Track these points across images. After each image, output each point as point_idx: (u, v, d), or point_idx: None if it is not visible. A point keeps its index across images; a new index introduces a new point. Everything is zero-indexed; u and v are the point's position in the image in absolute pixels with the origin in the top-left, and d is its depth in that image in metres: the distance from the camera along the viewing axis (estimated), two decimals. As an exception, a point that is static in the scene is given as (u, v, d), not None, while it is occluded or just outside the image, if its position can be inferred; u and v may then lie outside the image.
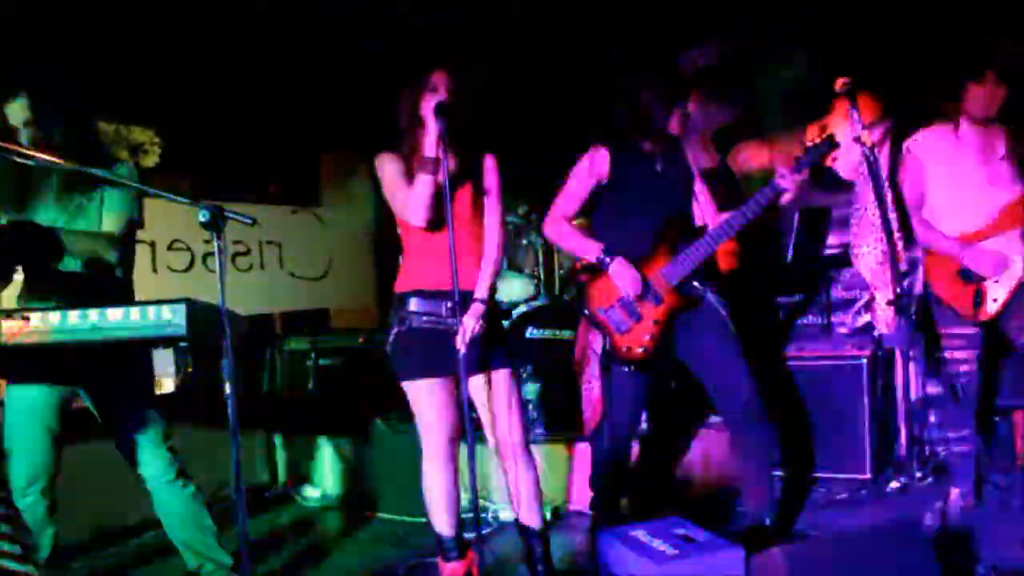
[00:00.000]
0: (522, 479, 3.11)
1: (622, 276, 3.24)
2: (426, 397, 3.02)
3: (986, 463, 3.99)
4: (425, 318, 3.00)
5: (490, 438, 3.14)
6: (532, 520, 3.15)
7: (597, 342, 4.05)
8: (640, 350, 3.29)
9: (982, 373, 3.52)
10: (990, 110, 3.40)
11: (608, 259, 3.25)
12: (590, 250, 3.31)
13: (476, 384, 3.06)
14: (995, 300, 3.36)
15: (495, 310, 3.13)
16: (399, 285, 3.10)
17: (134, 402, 3.10)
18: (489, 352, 3.03)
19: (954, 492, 3.62)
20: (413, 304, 3.02)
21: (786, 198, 3.25)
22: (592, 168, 3.38)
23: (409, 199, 2.95)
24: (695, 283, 3.33)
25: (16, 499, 2.89)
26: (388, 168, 3.03)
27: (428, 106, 2.86)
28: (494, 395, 3.07)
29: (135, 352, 3.11)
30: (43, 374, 2.94)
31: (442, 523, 3.11)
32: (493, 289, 3.09)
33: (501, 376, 3.08)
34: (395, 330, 3.05)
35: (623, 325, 3.31)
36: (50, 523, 2.99)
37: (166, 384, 6.36)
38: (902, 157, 3.57)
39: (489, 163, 3.13)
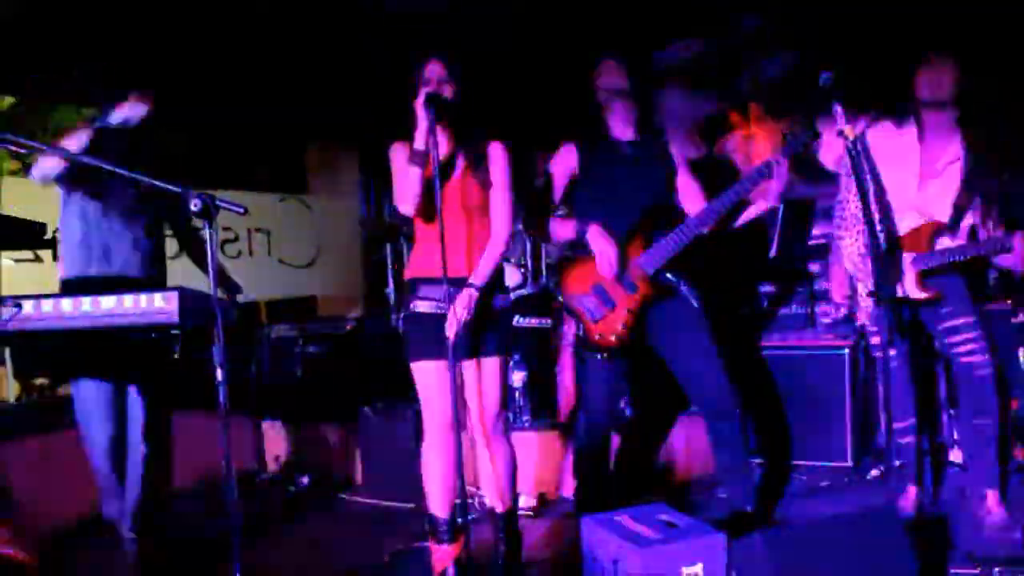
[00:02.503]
0: (493, 464, 3.19)
1: (598, 242, 3.30)
2: (424, 378, 3.10)
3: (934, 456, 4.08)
4: (426, 303, 3.09)
5: (471, 422, 3.22)
6: (496, 504, 3.23)
7: (571, 330, 4.12)
8: (613, 338, 3.33)
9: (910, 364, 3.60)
10: (939, 92, 3.35)
11: (584, 228, 3.33)
12: (568, 227, 3.40)
13: (467, 369, 3.14)
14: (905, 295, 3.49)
15: (491, 298, 3.13)
16: (407, 272, 3.20)
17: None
18: (481, 339, 3.09)
19: (911, 489, 3.62)
20: (415, 290, 3.12)
21: (773, 187, 3.29)
22: (561, 164, 3.47)
23: (399, 189, 3.01)
24: (669, 274, 3.38)
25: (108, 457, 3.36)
26: (396, 156, 3.09)
27: (419, 98, 2.90)
28: (479, 382, 3.13)
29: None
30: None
31: (436, 504, 3.17)
32: (496, 278, 3.14)
33: (489, 364, 3.13)
34: (402, 314, 3.19)
35: (597, 313, 3.35)
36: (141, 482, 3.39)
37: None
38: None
39: (494, 152, 3.13)
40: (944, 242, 3.45)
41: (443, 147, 3.00)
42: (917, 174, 3.47)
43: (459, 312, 2.96)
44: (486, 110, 3.19)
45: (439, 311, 3.03)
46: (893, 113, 3.54)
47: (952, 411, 4.21)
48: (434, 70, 3.02)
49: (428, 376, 3.10)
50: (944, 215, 3.45)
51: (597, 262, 3.32)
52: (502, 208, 3.13)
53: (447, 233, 2.88)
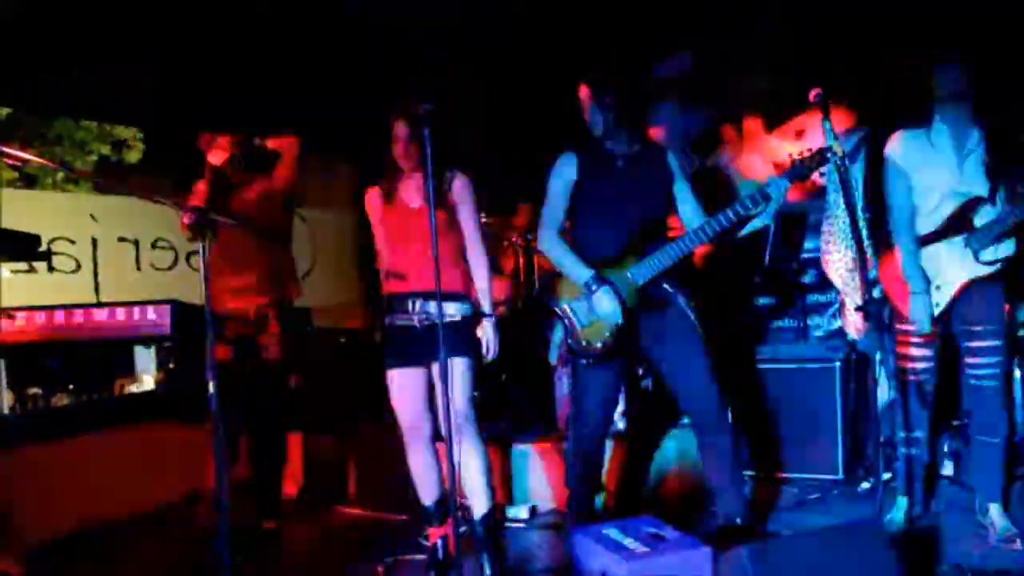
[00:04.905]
0: (463, 464, 3.37)
1: (603, 303, 3.30)
2: (393, 384, 3.46)
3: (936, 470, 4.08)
4: (398, 317, 3.42)
5: (442, 423, 3.31)
6: (474, 506, 3.44)
7: (558, 335, 4.17)
8: (599, 344, 3.35)
9: (936, 375, 3.59)
10: (959, 87, 3.37)
11: (595, 287, 3.30)
12: (581, 275, 3.34)
13: (434, 372, 3.39)
14: (937, 304, 3.43)
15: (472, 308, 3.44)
16: (383, 288, 3.53)
17: None
18: (448, 342, 3.16)
19: (902, 500, 3.66)
20: (390, 305, 3.46)
21: (771, 206, 3.29)
22: (562, 173, 3.46)
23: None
24: (665, 285, 3.38)
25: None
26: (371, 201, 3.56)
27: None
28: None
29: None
30: None
31: (422, 495, 3.53)
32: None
33: (454, 364, 3.27)
34: (381, 327, 3.54)
35: (584, 319, 3.37)
36: None
37: (146, 381, 6.35)
38: (885, 166, 3.56)
39: (458, 185, 3.43)
40: (985, 213, 3.39)
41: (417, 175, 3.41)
42: (952, 166, 3.43)
43: (492, 340, 3.43)
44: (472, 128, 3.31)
45: (408, 323, 3.38)
46: (909, 117, 3.54)
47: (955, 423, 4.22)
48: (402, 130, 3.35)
49: (394, 382, 3.44)
50: (984, 190, 3.41)
51: (601, 314, 3.33)
52: (475, 236, 3.49)
53: (416, 253, 3.32)
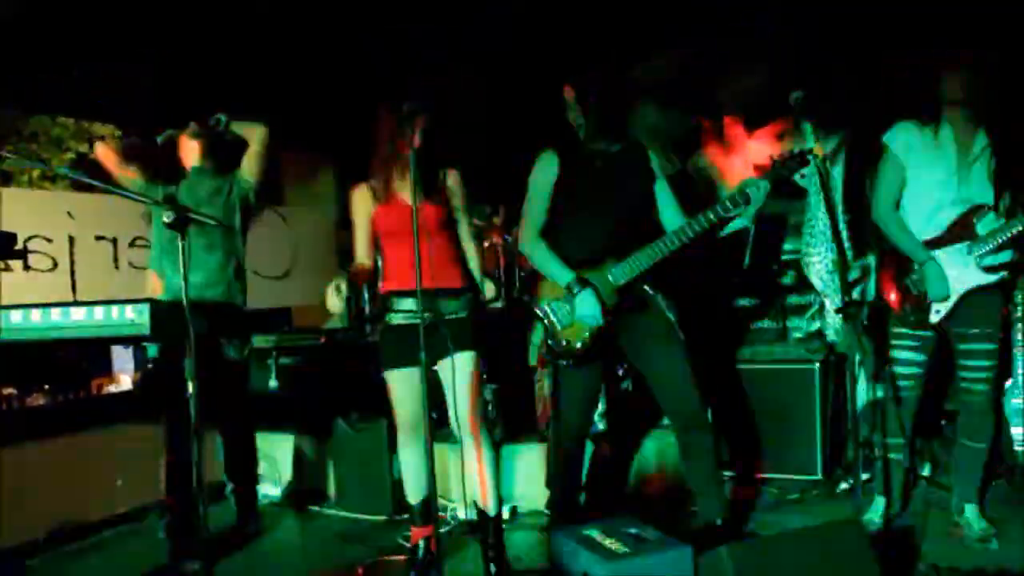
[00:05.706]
0: (478, 463, 3.38)
1: (584, 305, 3.30)
2: (393, 385, 3.40)
3: (916, 472, 4.12)
4: (400, 315, 3.34)
5: (451, 419, 3.36)
6: (484, 502, 3.43)
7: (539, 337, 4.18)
8: (579, 345, 3.35)
9: (925, 379, 3.61)
10: (970, 90, 3.35)
11: (576, 288, 3.29)
12: (562, 277, 3.34)
13: (443, 371, 3.31)
14: (937, 312, 3.45)
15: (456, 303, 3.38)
16: (382, 287, 3.46)
17: None
18: (456, 338, 3.24)
19: (880, 500, 3.70)
20: (390, 303, 3.37)
21: (751, 209, 3.29)
22: (543, 172, 3.45)
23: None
24: (644, 287, 3.39)
25: None
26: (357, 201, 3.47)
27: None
28: (455, 377, 3.26)
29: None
30: None
31: (408, 493, 3.53)
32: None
33: (464, 359, 3.29)
34: (378, 326, 3.47)
35: (565, 320, 3.37)
36: None
37: (124, 381, 6.29)
38: (883, 151, 3.53)
39: (452, 179, 3.39)
40: (989, 221, 3.39)
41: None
42: (954, 170, 3.42)
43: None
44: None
45: (407, 322, 3.26)
46: (916, 114, 3.51)
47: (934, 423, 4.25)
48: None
49: (395, 383, 3.38)
50: (989, 198, 3.41)
51: (581, 315, 3.33)
52: (466, 224, 3.45)
53: (412, 251, 3.14)
